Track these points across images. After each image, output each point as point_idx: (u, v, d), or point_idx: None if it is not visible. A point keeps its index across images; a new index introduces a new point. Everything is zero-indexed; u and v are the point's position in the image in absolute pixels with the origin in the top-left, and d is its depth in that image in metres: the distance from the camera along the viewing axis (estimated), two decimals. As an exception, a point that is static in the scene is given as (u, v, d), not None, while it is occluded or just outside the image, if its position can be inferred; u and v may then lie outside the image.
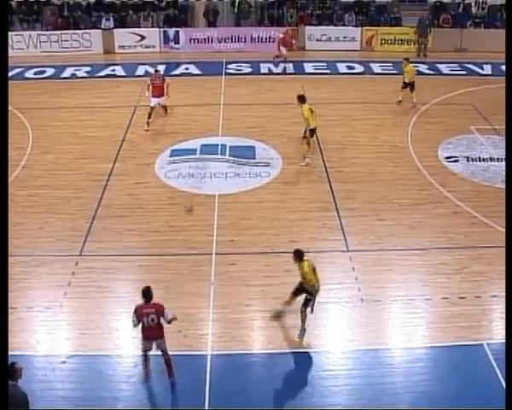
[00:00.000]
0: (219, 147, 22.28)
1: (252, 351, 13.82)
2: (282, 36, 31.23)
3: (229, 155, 21.74)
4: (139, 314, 12.24)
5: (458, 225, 18.16)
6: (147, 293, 12.31)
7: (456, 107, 26.20)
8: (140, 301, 12.32)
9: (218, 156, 21.73)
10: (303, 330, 13.93)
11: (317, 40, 33.59)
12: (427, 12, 34.96)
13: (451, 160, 21.96)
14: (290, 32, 32.28)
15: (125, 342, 13.84)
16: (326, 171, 20.88)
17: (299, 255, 13.73)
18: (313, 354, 13.65)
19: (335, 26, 34.58)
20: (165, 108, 24.67)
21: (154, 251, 16.68)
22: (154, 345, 12.59)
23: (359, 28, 34.28)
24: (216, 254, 16.59)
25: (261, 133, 23.35)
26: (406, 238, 17.50)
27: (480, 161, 21.98)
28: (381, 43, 34.14)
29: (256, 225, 17.87)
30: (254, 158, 21.66)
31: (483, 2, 35.88)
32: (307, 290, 13.66)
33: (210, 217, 18.20)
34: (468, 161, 21.96)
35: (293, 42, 31.96)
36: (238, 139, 22.86)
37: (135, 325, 12.37)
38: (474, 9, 35.85)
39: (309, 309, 13.72)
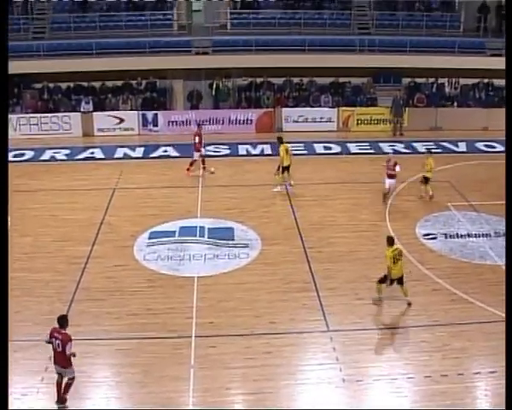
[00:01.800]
0: (198, 229, 22.29)
1: (233, 436, 13.57)
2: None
3: (208, 237, 21.74)
4: (50, 335, 13.71)
5: (438, 302, 18.16)
6: (61, 320, 13.78)
7: (433, 184, 26.40)
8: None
9: (197, 238, 21.72)
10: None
11: (294, 121, 34.08)
12: (401, 92, 35.67)
13: (429, 237, 22.11)
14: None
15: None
16: (305, 251, 20.91)
17: (389, 241, 17.78)
18: (296, 437, 13.44)
19: (312, 107, 35.16)
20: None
21: (132, 334, 16.44)
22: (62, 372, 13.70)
23: (335, 109, 34.87)
24: (195, 336, 16.39)
25: (240, 214, 23.44)
26: (387, 317, 17.48)
27: (457, 237, 22.15)
28: (358, 124, 34.70)
29: (235, 307, 17.74)
30: (233, 239, 21.67)
31: (455, 82, 36.72)
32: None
33: (189, 299, 18.07)
34: (446, 237, 22.12)
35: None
36: (217, 221, 22.92)
37: (46, 342, 13.82)
38: (447, 89, 36.63)
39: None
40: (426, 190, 25.06)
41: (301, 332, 16.62)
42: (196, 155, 27.70)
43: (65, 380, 13.89)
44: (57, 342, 13.58)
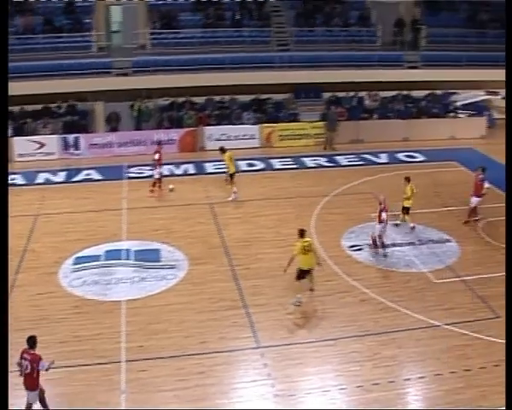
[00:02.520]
0: (124, 252, 22.01)
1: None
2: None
3: (135, 260, 21.49)
4: (20, 356, 13.69)
5: (366, 312, 18.38)
6: (29, 341, 13.74)
7: (356, 196, 26.90)
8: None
9: (123, 261, 21.44)
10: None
11: (217, 140, 33.93)
12: (334, 106, 36.28)
13: (355, 248, 22.37)
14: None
15: None
16: (232, 269, 20.88)
17: (301, 233, 18.56)
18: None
19: (234, 124, 35.20)
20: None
21: (61, 363, 15.94)
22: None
23: (258, 126, 35.00)
24: (126, 361, 16.14)
25: (166, 235, 23.26)
26: (316, 330, 17.55)
27: (382, 247, 22.44)
28: (280, 139, 34.90)
29: (165, 329, 17.55)
30: (160, 261, 21.48)
31: (375, 95, 37.40)
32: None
33: (117, 324, 17.79)
34: (371, 248, 22.39)
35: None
36: (143, 243, 22.68)
37: (17, 363, 13.74)
38: (367, 102, 37.27)
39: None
40: (404, 219, 24.28)
41: (232, 350, 16.58)
42: (156, 173, 27.63)
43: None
44: (26, 363, 13.59)
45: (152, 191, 27.63)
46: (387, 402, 14.63)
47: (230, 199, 26.64)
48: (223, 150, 27.49)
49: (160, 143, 29.35)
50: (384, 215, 21.55)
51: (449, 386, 15.24)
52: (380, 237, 21.90)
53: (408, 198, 23.91)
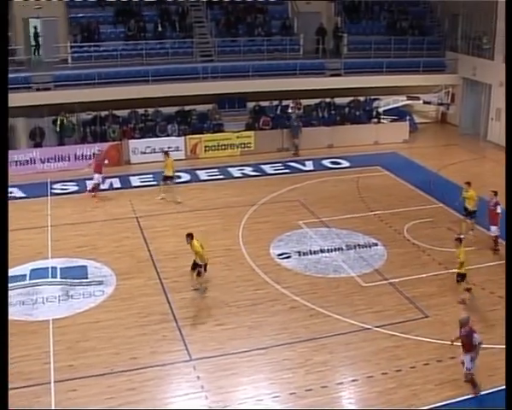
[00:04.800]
0: (50, 270, 21.52)
1: None
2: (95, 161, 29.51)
3: (61, 277, 21.04)
4: None
5: (297, 319, 18.44)
6: None
7: (284, 204, 27.01)
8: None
9: (49, 280, 20.95)
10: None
11: (142, 153, 33.64)
12: (295, 113, 36.56)
13: (284, 256, 22.43)
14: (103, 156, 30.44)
15: None
16: (161, 282, 20.67)
17: (189, 236, 19.50)
18: None
19: (159, 137, 34.94)
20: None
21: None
22: None
23: (183, 138, 34.80)
24: (54, 382, 15.75)
25: (92, 251, 22.87)
26: (248, 339, 17.50)
27: (311, 254, 22.62)
28: (206, 150, 34.81)
29: (94, 347, 17.19)
30: (87, 277, 21.09)
31: (298, 104, 37.67)
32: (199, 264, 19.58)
33: (45, 344, 17.35)
34: (299, 255, 22.53)
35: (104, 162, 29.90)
36: (68, 260, 22.23)
37: None
38: (290, 110, 37.49)
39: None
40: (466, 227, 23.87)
41: (164, 364, 16.38)
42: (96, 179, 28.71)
43: None
44: None
45: (94, 196, 28.47)
46: (322, 407, 14.67)
47: (160, 198, 27.83)
48: (167, 154, 28.80)
49: (95, 154, 30.38)
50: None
51: (381, 387, 15.41)
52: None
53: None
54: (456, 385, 15.38)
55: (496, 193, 22.70)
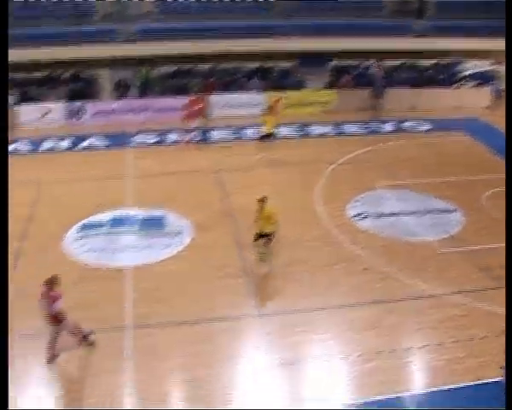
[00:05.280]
0: (130, 219, 22.12)
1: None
2: (188, 110, 30.61)
3: (140, 227, 21.61)
4: (41, 295, 14.71)
5: (370, 281, 18.45)
6: (49, 281, 14.68)
7: (362, 165, 26.89)
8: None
9: (129, 228, 21.55)
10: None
11: (223, 107, 33.95)
12: (380, 72, 36.11)
13: (360, 217, 22.41)
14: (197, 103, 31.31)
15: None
16: (237, 237, 20.93)
17: (262, 200, 18.25)
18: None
19: (240, 92, 35.09)
20: None
21: (66, 330, 16.23)
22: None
23: (263, 93, 34.88)
24: (131, 328, 16.25)
25: (171, 203, 23.32)
26: (319, 298, 17.62)
27: (387, 216, 22.51)
28: (286, 107, 34.78)
29: (170, 296, 17.67)
30: (165, 228, 21.59)
31: (381, 64, 37.18)
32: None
33: (123, 290, 17.91)
34: (375, 217, 22.46)
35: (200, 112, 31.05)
36: (148, 210, 22.76)
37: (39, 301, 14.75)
38: (372, 70, 37.04)
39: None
40: None
41: (236, 317, 16.68)
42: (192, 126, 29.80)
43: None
44: (44, 301, 14.59)
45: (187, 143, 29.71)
46: (388, 371, 14.73)
47: (259, 157, 27.65)
48: (269, 110, 28.74)
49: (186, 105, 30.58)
50: None
51: (450, 355, 15.31)
52: None
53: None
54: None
55: None
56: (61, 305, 14.62)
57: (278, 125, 29.13)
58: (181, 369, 14.95)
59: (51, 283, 14.65)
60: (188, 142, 29.67)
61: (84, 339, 15.33)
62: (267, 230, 18.17)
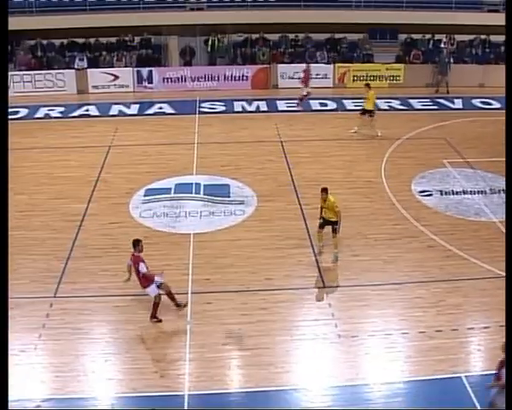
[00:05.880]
0: (194, 186, 22.26)
1: (229, 390, 13.64)
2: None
3: (204, 194, 21.73)
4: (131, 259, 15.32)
5: (433, 258, 18.23)
6: (134, 243, 15.24)
7: (429, 141, 26.49)
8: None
9: (193, 195, 21.70)
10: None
11: (290, 78, 33.77)
12: (447, 50, 35.46)
13: (425, 194, 22.13)
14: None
15: (101, 385, 13.63)
16: (301, 208, 20.90)
17: (325, 190, 17.66)
18: (292, 391, 13.51)
19: (308, 63, 34.80)
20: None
21: (129, 291, 16.36)
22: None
23: (331, 65, 34.65)
24: (192, 293, 16.42)
25: (235, 171, 23.40)
26: (382, 273, 17.53)
27: (453, 194, 22.17)
28: (354, 80, 34.52)
29: (231, 264, 17.80)
30: (229, 196, 21.67)
31: (451, 39, 36.44)
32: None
33: (185, 256, 18.10)
34: (441, 194, 22.14)
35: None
36: (212, 178, 22.88)
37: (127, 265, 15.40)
38: (442, 45, 36.34)
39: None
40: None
41: (297, 288, 16.71)
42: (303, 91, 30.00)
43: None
44: (130, 263, 15.24)
45: (298, 104, 30.33)
46: (449, 350, 14.55)
47: (353, 131, 27.43)
48: (368, 86, 27.64)
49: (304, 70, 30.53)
50: None
51: (513, 337, 15.10)
52: None
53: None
54: None
55: None
56: (145, 268, 15.00)
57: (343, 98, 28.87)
58: (239, 336, 15.03)
59: (133, 246, 15.18)
60: (300, 100, 30.22)
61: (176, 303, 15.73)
62: (333, 218, 17.91)
